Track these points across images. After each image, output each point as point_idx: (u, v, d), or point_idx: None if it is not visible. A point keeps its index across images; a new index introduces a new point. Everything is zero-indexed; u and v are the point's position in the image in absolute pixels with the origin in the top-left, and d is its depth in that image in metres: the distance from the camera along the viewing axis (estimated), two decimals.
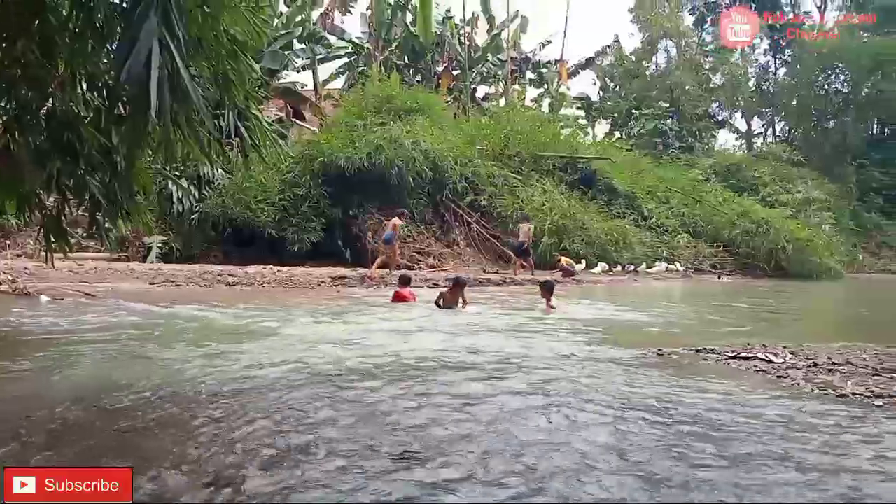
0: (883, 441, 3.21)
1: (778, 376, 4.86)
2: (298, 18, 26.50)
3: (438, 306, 9.12)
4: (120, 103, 3.97)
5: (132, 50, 2.37)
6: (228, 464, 2.73)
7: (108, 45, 3.61)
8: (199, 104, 2.77)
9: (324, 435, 3.13)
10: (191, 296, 10.47)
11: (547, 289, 9.45)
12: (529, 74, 37.72)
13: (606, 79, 43.96)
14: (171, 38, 2.59)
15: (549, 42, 37.09)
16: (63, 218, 4.92)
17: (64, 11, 3.74)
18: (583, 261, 18.69)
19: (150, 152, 4.38)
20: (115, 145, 4.16)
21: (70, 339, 5.97)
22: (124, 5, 3.00)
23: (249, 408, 3.62)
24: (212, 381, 4.27)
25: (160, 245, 17.65)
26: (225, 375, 4.47)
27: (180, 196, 18.01)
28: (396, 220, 15.06)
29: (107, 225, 5.49)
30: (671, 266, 20.49)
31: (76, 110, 4.18)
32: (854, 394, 4.28)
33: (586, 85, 73.07)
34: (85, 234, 15.64)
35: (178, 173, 18.28)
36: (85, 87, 4.31)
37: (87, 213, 5.32)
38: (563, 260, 17.51)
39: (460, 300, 9.15)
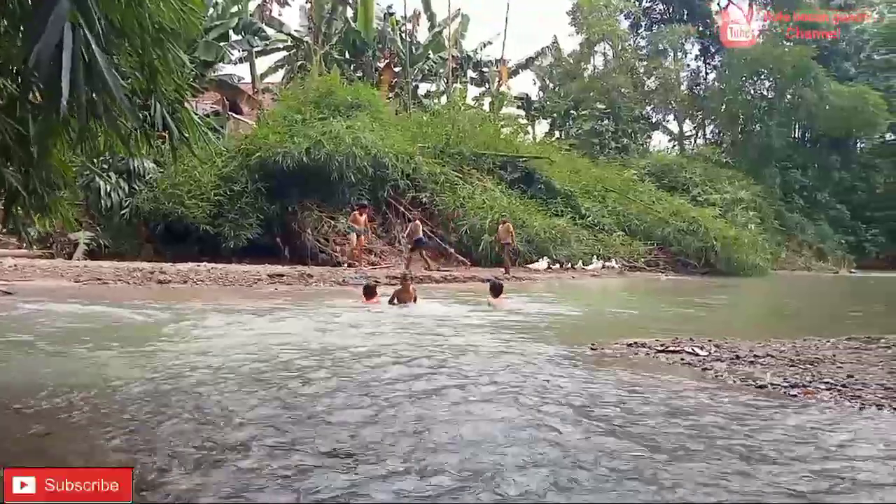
0: (787, 428, 3.40)
1: (703, 369, 5.06)
2: (235, 9, 25.81)
3: (392, 304, 9.16)
4: (35, 90, 3.75)
5: (42, 34, 2.24)
6: (152, 466, 2.64)
7: (21, 30, 3.41)
8: (118, 93, 2.65)
9: (252, 433, 3.06)
10: (119, 294, 10.06)
11: (495, 289, 9.81)
12: (470, 73, 37.93)
13: (546, 79, 44.69)
14: (86, 21, 2.46)
15: (490, 43, 37.37)
16: None
17: None
18: (543, 259, 19.36)
19: (69, 144, 4.15)
20: (32, 135, 3.94)
21: None
22: None
23: (175, 408, 3.51)
24: (136, 382, 4.11)
25: (87, 241, 16.88)
26: (151, 376, 4.32)
27: (109, 190, 17.28)
28: (356, 214, 16.25)
29: (26, 220, 5.19)
30: (607, 263, 21.03)
31: None
32: (772, 384, 4.50)
33: (526, 85, 74.34)
34: (4, 231, 14.74)
35: (106, 166, 17.53)
36: None
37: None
38: (508, 226, 17.28)
39: (412, 296, 9.26)
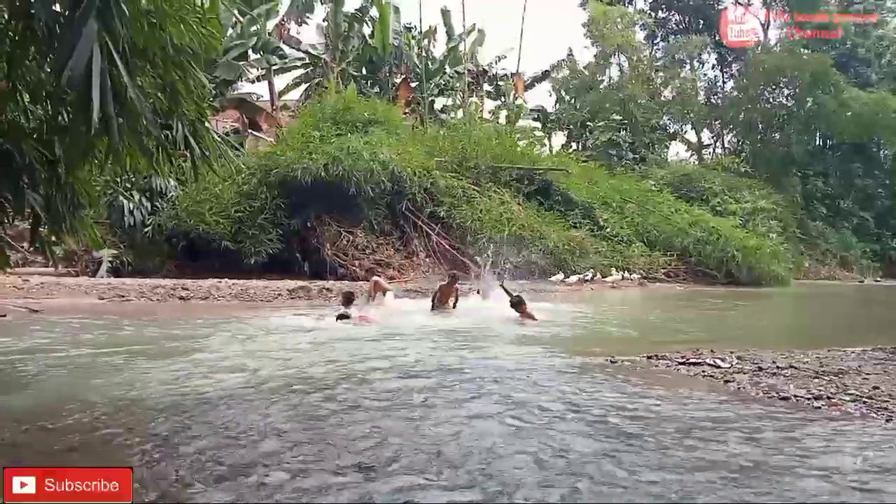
0: (810, 439, 3.34)
1: (725, 381, 5.00)
2: (254, 28, 26.23)
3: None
4: (64, 112, 3.86)
5: (72, 54, 2.32)
6: (175, 481, 2.67)
7: (50, 55, 3.52)
8: (144, 112, 2.72)
9: (273, 448, 3.09)
10: (142, 311, 10.20)
11: (517, 303, 9.62)
12: (486, 87, 38.06)
13: (562, 91, 44.64)
14: (113, 43, 2.54)
15: (505, 56, 37.51)
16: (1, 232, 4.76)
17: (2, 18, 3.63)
18: (591, 271, 19.68)
19: (97, 163, 4.25)
20: (59, 157, 4.05)
21: (13, 356, 5.76)
22: (66, 13, 2.93)
23: (197, 423, 3.55)
24: (159, 397, 4.17)
25: (111, 259, 17.14)
26: (172, 391, 4.37)
27: (132, 209, 17.56)
28: None
29: (53, 239, 5.30)
30: (626, 275, 20.87)
31: (17, 120, 4.05)
32: (796, 396, 4.44)
33: (542, 97, 74.15)
34: (31, 249, 15.01)
35: (129, 185, 17.82)
36: (27, 97, 4.18)
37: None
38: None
39: (451, 301, 10.08)
